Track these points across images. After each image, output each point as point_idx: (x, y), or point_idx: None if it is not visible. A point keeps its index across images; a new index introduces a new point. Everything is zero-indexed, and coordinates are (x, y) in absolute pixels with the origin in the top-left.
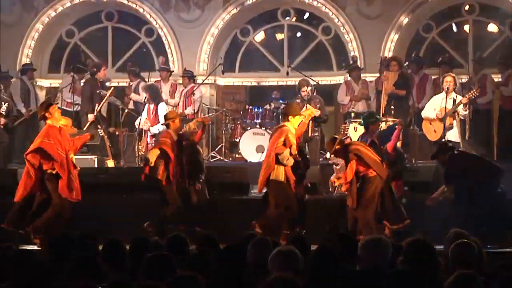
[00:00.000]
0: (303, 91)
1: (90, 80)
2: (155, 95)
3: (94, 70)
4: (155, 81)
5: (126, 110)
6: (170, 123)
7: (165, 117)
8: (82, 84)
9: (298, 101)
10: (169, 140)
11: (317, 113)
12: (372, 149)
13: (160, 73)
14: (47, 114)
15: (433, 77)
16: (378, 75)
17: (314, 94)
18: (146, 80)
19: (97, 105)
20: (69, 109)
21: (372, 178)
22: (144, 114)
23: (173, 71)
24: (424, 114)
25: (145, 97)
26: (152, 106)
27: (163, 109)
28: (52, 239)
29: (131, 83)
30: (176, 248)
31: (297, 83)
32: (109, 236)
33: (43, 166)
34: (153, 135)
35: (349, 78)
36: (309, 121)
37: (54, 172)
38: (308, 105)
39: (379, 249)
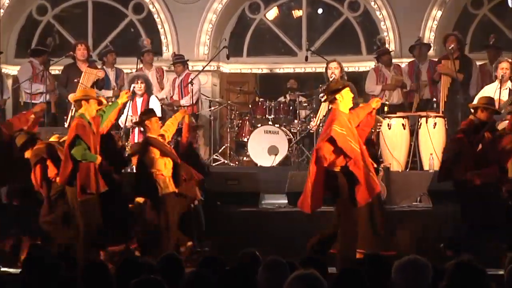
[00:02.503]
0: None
1: (66, 68)
2: (150, 86)
3: (71, 54)
4: (138, 69)
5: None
6: None
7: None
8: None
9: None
10: None
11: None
12: None
13: (144, 57)
14: (337, 96)
15: (478, 63)
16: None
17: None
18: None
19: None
20: (36, 102)
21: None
22: (129, 109)
23: (158, 55)
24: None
25: (133, 87)
26: (142, 98)
27: (155, 101)
28: (26, 261)
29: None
30: (170, 271)
31: (317, 70)
32: None
33: (335, 163)
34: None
35: (378, 64)
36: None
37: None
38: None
39: (417, 272)
